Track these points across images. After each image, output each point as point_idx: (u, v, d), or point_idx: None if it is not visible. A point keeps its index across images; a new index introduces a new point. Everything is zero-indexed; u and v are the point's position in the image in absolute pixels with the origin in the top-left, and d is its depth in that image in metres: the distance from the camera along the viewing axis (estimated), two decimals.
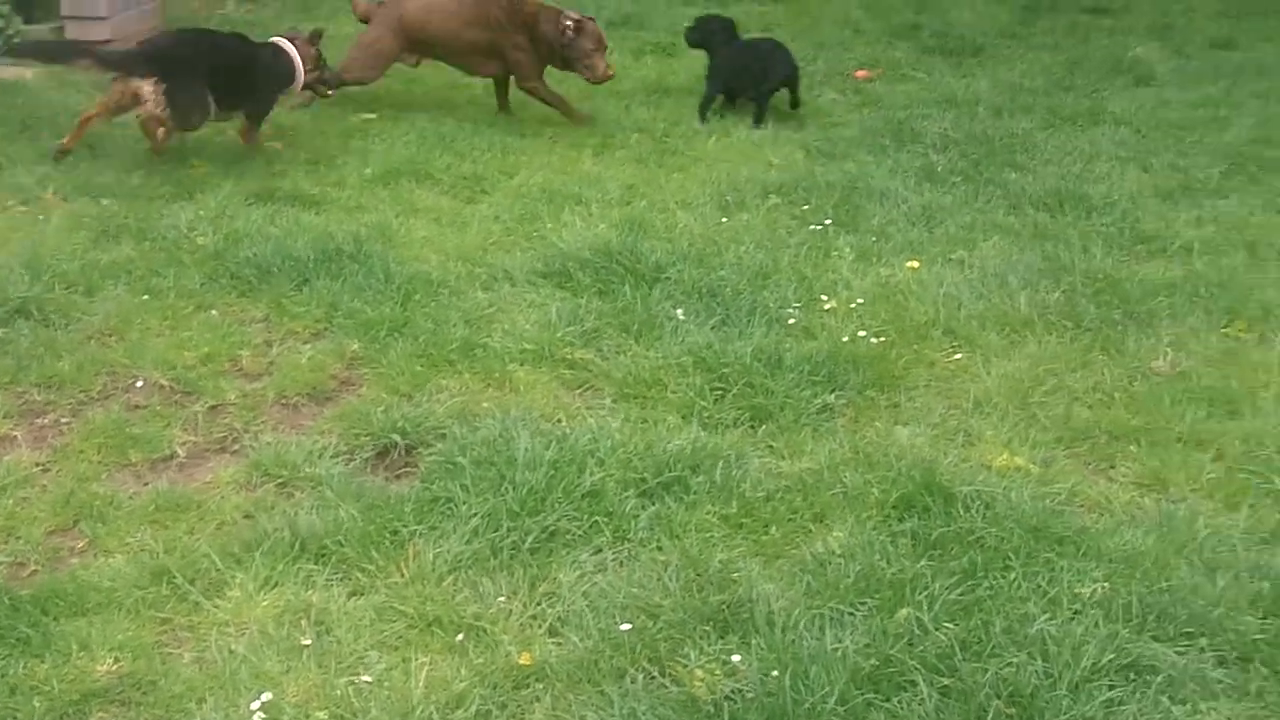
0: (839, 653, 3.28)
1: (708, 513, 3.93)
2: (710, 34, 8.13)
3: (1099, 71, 8.72)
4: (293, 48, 7.20)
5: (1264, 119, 7.63)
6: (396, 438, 4.36)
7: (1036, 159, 7.02)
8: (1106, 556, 3.71)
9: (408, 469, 4.25)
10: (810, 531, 3.87)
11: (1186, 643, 3.39)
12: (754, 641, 3.35)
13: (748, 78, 7.90)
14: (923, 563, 3.65)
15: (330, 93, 7.64)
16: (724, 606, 3.48)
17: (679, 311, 5.20)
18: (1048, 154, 7.09)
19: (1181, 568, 3.68)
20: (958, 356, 4.93)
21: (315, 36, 7.34)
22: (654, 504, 3.97)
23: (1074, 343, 5.02)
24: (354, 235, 5.85)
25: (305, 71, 7.24)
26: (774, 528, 3.88)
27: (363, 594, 3.60)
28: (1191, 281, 5.46)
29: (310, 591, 3.60)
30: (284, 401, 4.66)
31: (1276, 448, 4.31)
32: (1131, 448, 4.34)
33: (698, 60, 8.30)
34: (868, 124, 7.74)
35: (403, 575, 3.64)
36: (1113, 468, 4.26)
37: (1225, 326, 5.14)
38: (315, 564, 3.70)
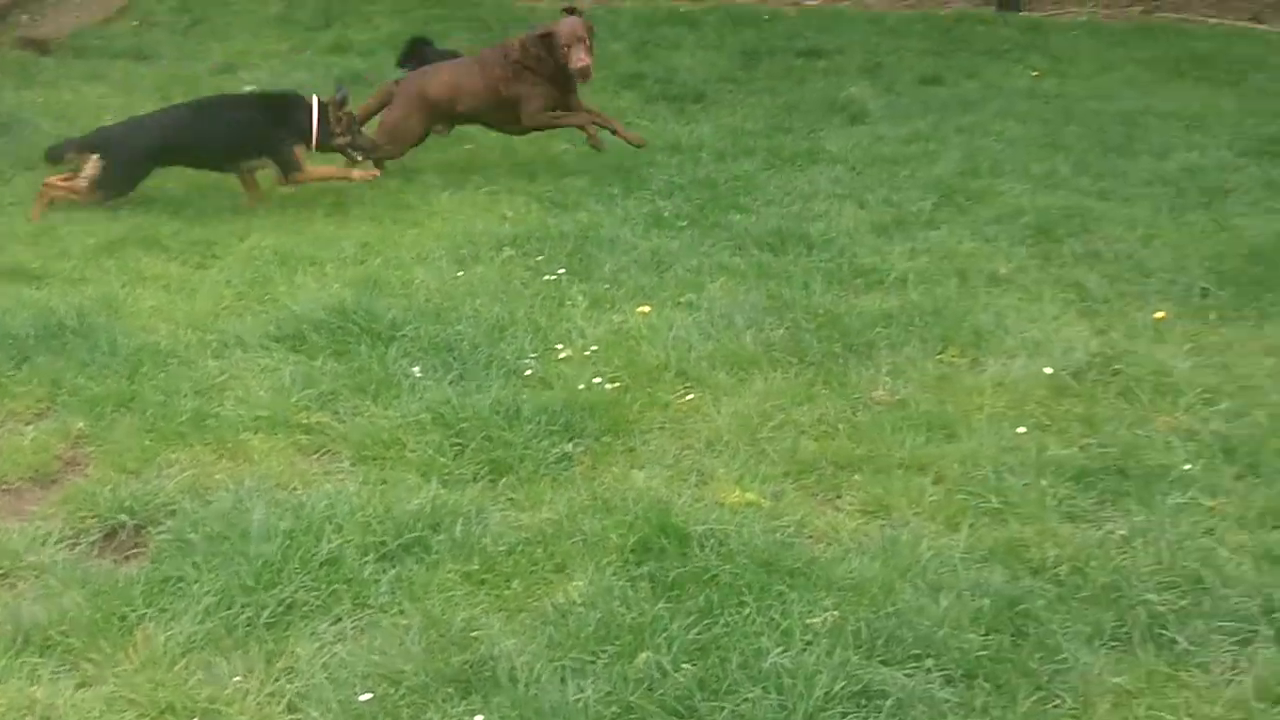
0: (580, 703, 3.32)
1: (449, 571, 3.93)
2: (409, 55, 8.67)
3: (816, 112, 9.04)
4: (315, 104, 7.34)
5: (970, 152, 8.03)
6: (125, 518, 4.24)
7: (759, 200, 7.23)
8: (836, 585, 3.84)
9: (137, 550, 4.14)
10: (551, 582, 3.90)
11: (914, 664, 3.53)
12: (496, 700, 3.36)
13: None
14: (661, 605, 3.72)
15: (360, 159, 7.53)
16: (467, 666, 3.49)
17: (416, 369, 5.19)
18: (769, 195, 7.31)
19: (907, 590, 3.83)
20: (690, 397, 5.04)
21: (342, 100, 7.38)
22: (394, 567, 3.95)
23: (799, 377, 5.18)
24: (77, 308, 5.67)
25: (336, 134, 7.31)
26: (516, 581, 3.90)
27: (91, 685, 3.48)
28: (907, 311, 5.70)
29: (35, 686, 3.46)
30: (4, 487, 4.49)
31: (992, 467, 4.52)
32: (856, 476, 4.50)
33: None
34: (597, 173, 7.87)
35: (133, 662, 3.53)
36: (839, 497, 4.42)
37: (940, 353, 5.38)
38: (40, 656, 3.57)
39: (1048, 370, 5.16)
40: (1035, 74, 10.16)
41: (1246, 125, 8.58)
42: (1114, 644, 3.66)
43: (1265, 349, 5.42)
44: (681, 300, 5.94)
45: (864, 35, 11.33)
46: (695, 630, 3.59)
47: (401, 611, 3.76)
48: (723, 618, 3.65)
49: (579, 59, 7.44)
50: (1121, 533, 4.14)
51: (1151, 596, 3.80)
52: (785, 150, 8.16)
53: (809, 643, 3.57)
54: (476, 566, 3.95)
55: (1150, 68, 10.32)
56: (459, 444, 4.65)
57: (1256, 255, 6.25)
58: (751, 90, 9.77)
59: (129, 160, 7.20)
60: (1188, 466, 4.49)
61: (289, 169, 7.33)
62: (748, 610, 3.68)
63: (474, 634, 3.62)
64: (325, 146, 7.39)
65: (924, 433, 4.75)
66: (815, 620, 3.65)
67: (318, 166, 7.48)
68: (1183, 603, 3.79)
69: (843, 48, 10.89)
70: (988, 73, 10.18)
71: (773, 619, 3.65)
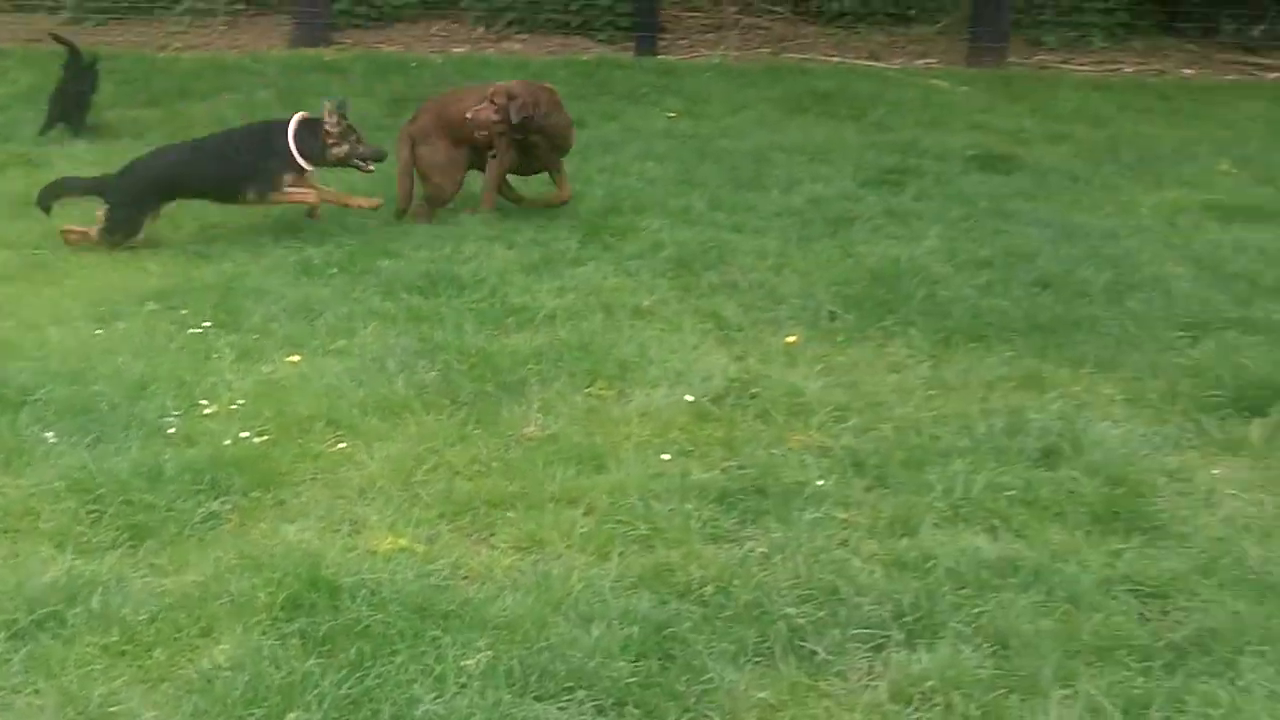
0: None
1: (87, 645, 3.76)
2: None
3: None
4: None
5: (612, 191, 8.22)
6: None
7: (408, 245, 7.22)
8: (490, 624, 3.86)
9: None
10: (197, 648, 3.79)
11: (567, 697, 3.58)
12: None
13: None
14: (311, 661, 3.66)
15: (370, 168, 7.52)
16: None
17: (50, 434, 4.97)
18: (419, 239, 7.31)
19: (559, 623, 3.89)
20: (341, 446, 4.99)
21: (339, 108, 7.39)
22: (27, 644, 3.76)
23: (451, 418, 5.20)
24: None
25: (330, 145, 7.30)
26: (158, 650, 3.76)
27: None
28: (556, 348, 5.80)
29: None
30: None
31: (639, 495, 4.62)
32: (509, 513, 4.54)
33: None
34: (245, 223, 7.71)
35: None
36: (493, 535, 4.44)
37: (588, 387, 5.48)
38: None
39: (689, 398, 5.34)
40: (672, 115, 10.51)
41: (867, 157, 9.12)
42: (758, 659, 3.80)
43: (889, 366, 5.77)
44: (332, 348, 5.88)
45: (509, 80, 11.45)
46: (347, 685, 3.55)
47: (36, 691, 3.58)
48: (375, 669, 3.62)
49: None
50: (762, 550, 4.32)
51: (791, 610, 3.97)
52: None
53: (463, 686, 3.58)
54: (116, 638, 3.80)
55: (778, 106, 10.84)
56: (96, 510, 4.47)
57: (878, 279, 6.63)
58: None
59: (128, 202, 7.28)
60: (821, 482, 4.73)
61: (267, 190, 7.35)
62: (400, 659, 3.66)
63: (113, 709, 3.49)
64: (323, 162, 7.37)
65: (574, 465, 4.84)
66: (469, 662, 3.66)
67: (299, 191, 7.40)
68: (820, 614, 3.97)
69: None
70: (628, 115, 10.47)
71: (426, 665, 3.65)
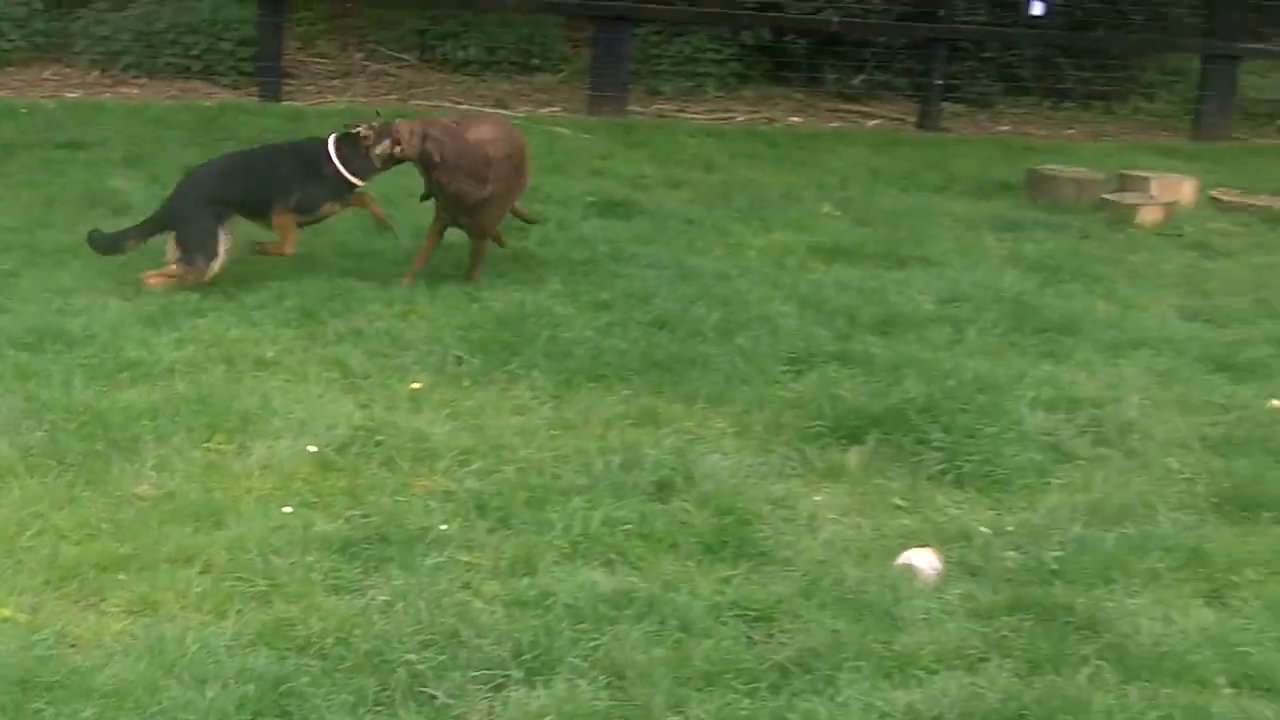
0: None
1: None
2: None
3: (78, 205, 8.67)
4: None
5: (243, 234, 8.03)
6: None
7: (15, 299, 6.87)
8: (97, 692, 3.73)
9: None
10: None
11: None
12: None
13: None
14: None
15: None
16: None
17: None
18: (25, 292, 6.97)
19: (172, 687, 3.79)
20: None
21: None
22: None
23: (59, 479, 4.99)
24: None
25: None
26: None
27: None
28: (173, 402, 5.64)
29: None
30: None
31: (259, 550, 4.55)
32: (120, 576, 4.39)
33: None
34: None
35: None
36: (103, 600, 4.28)
37: (207, 441, 5.36)
38: None
39: (312, 448, 5.30)
40: None
41: None
42: (378, 708, 3.81)
43: (513, 409, 5.88)
44: None
45: (126, 126, 11.08)
46: None
47: None
48: None
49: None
50: (384, 598, 4.33)
51: (412, 656, 3.99)
52: (46, 245, 7.80)
53: None
54: None
55: None
56: None
57: (503, 323, 6.74)
58: (9, 184, 9.26)
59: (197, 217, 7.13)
60: (445, 526, 4.78)
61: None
62: None
63: None
64: (373, 171, 7.39)
65: (191, 523, 4.73)
66: None
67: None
68: (441, 658, 4.01)
69: (105, 139, 10.57)
70: None
71: None
